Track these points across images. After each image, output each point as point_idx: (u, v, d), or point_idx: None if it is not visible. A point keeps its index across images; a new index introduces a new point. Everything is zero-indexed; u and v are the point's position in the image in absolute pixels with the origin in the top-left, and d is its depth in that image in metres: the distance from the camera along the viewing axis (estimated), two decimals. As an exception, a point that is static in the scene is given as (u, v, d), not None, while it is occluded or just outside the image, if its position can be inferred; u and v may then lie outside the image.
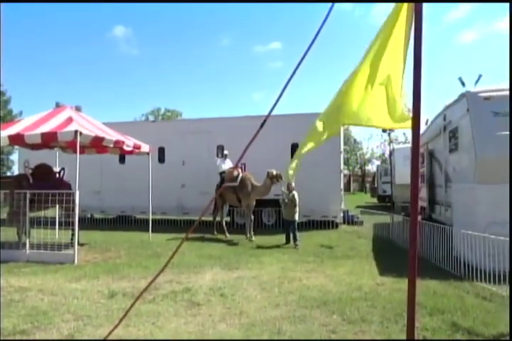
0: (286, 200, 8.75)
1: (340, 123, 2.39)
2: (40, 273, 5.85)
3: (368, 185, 44.76)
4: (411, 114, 2.00)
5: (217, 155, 11.85)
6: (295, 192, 8.63)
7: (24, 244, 7.11)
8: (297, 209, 8.71)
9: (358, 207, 18.63)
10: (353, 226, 11.80)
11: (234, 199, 9.85)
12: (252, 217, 9.70)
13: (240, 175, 9.74)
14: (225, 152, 10.77)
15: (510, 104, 5.88)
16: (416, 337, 3.25)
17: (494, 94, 6.52)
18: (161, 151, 12.24)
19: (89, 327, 3.79)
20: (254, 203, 9.70)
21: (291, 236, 8.50)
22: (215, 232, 10.07)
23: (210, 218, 10.83)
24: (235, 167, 9.98)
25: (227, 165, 10.54)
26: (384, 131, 40.69)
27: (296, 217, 8.69)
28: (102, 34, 70.98)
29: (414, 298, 1.79)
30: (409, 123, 2.07)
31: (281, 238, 8.86)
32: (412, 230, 1.89)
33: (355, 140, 50.70)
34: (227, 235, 9.73)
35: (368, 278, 5.60)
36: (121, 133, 8.64)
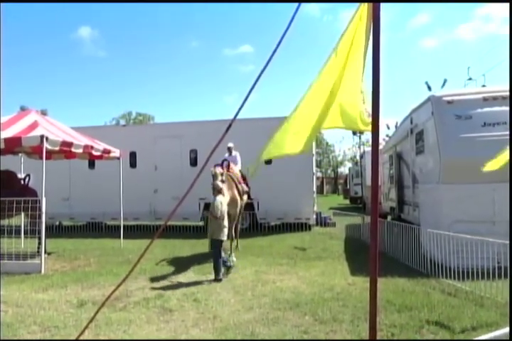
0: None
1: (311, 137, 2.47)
2: (4, 284, 5.60)
3: (340, 187, 45.57)
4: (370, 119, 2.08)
5: (190, 160, 11.79)
6: (219, 198, 6.03)
7: (-13, 254, 6.80)
8: (225, 223, 5.96)
9: (331, 208, 18.91)
10: (325, 228, 11.97)
11: None
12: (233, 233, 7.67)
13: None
14: (230, 144, 8.55)
15: (511, 104, 6.05)
16: (383, 333, 3.34)
17: (456, 98, 6.81)
18: (133, 156, 12.04)
19: (56, 338, 3.68)
20: (236, 210, 7.59)
21: (221, 264, 5.92)
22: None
23: (180, 222, 10.68)
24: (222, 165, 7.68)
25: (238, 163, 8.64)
26: (354, 133, 41.59)
27: (223, 236, 5.93)
28: (65, 34, 69.25)
29: (375, 298, 1.85)
30: (370, 127, 2.14)
31: (255, 241, 8.86)
32: (372, 231, 1.95)
33: (327, 143, 51.67)
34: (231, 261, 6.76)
35: (340, 278, 5.70)
36: (91, 138, 8.44)
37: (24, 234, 8.19)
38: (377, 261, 1.91)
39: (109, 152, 8.62)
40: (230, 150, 8.62)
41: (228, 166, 7.79)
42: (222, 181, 6.53)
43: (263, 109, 66.30)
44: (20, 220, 8.66)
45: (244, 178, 8.31)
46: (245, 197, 8.24)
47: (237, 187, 7.62)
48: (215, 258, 5.86)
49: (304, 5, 2.36)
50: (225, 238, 5.98)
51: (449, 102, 6.72)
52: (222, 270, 5.90)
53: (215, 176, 6.39)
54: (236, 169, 8.25)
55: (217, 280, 5.67)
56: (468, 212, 5.96)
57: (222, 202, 6.05)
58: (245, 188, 8.13)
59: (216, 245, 5.92)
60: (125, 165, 10.02)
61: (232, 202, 7.38)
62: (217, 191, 6.13)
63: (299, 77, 70.47)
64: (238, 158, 8.71)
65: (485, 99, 6.61)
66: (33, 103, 49.48)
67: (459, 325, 3.79)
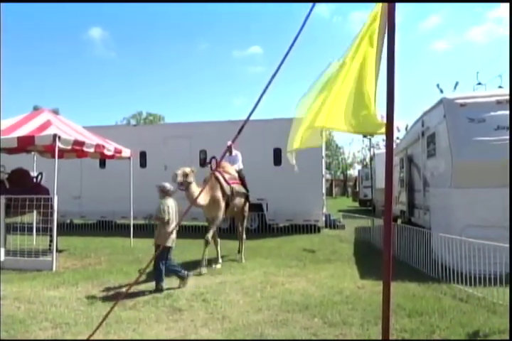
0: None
1: (317, 127, 2.47)
2: (16, 281, 5.68)
3: (349, 190, 45.31)
4: (384, 120, 2.06)
5: (200, 160, 11.81)
6: (167, 201, 5.41)
7: (-1, 251, 6.90)
8: (168, 228, 5.20)
9: (340, 211, 18.77)
10: (334, 230, 11.92)
11: None
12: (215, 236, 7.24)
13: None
14: (229, 143, 7.30)
15: (511, 106, 5.98)
16: (393, 338, 3.31)
17: (469, 101, 6.72)
18: (143, 156, 12.13)
19: (67, 335, 3.71)
20: (216, 213, 6.96)
21: (163, 273, 5.26)
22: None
23: (189, 222, 10.73)
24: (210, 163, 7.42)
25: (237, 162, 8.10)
26: (364, 136, 41.42)
27: (169, 242, 5.19)
28: (77, 35, 69.97)
29: (389, 301, 1.84)
30: (383, 129, 2.12)
31: (264, 242, 8.75)
32: (385, 235, 1.94)
33: (336, 145, 51.41)
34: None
35: (349, 281, 5.67)
36: (102, 138, 8.52)
37: (36, 231, 8.30)
38: (391, 264, 1.90)
39: (120, 152, 8.70)
40: (229, 149, 7.77)
41: (216, 165, 7.16)
42: (182, 183, 6.06)
43: (270, 111, 66.28)
44: (33, 217, 8.77)
45: (241, 179, 7.88)
46: (238, 198, 7.57)
47: (221, 187, 7.01)
48: (168, 263, 5.30)
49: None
50: (168, 244, 5.20)
51: (461, 105, 6.64)
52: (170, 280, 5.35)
53: (173, 177, 5.99)
54: (231, 169, 7.79)
55: (157, 290, 5.17)
56: (480, 217, 5.88)
57: (170, 205, 5.42)
58: (237, 189, 7.47)
59: (167, 252, 5.26)
60: (135, 165, 10.10)
61: (213, 203, 6.85)
62: (163, 192, 5.49)
63: (305, 78, 70.33)
64: (238, 158, 8.24)
65: (498, 102, 6.51)
66: (46, 103, 50.23)
67: (471, 331, 3.74)
